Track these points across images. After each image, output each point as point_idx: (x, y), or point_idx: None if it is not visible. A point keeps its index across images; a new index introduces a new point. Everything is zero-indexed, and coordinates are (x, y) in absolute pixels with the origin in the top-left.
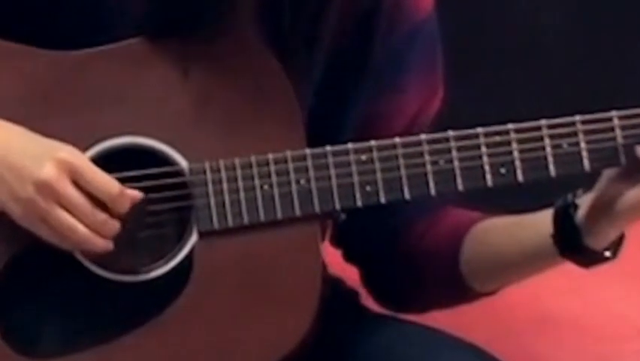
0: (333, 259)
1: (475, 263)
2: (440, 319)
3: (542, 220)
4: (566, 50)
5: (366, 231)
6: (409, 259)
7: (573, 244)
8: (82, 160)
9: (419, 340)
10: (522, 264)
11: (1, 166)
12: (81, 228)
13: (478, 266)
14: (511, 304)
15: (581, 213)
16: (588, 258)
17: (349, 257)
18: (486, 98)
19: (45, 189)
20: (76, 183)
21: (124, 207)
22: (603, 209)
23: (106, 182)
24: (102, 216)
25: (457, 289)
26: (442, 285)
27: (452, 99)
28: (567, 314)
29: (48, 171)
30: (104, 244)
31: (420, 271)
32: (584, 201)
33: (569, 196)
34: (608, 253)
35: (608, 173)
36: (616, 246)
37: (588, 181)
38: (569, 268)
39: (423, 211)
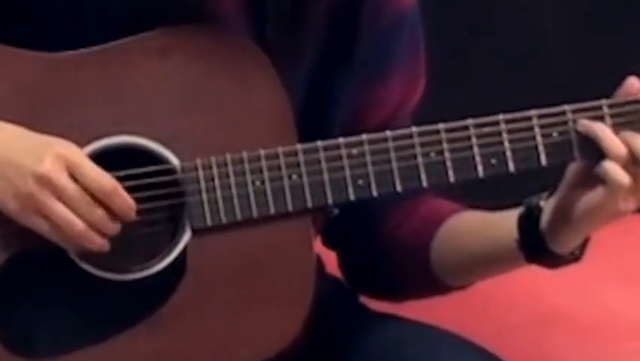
0: (333, 257)
1: (445, 260)
2: (441, 317)
3: (507, 222)
4: (565, 51)
5: (342, 218)
6: (384, 249)
7: (538, 250)
8: (78, 155)
9: (419, 339)
10: (487, 264)
11: (1, 163)
12: (79, 222)
13: (447, 262)
14: (512, 303)
15: (544, 220)
16: (553, 261)
17: (326, 242)
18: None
19: (44, 182)
20: (73, 178)
21: (118, 202)
22: (564, 216)
23: (101, 176)
24: (100, 211)
25: (430, 282)
26: (414, 277)
27: (451, 100)
28: (567, 313)
29: (47, 165)
30: (100, 242)
31: (393, 261)
32: (548, 207)
33: (534, 199)
34: (572, 255)
35: (567, 179)
36: (582, 248)
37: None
38: (570, 267)
39: (395, 200)
